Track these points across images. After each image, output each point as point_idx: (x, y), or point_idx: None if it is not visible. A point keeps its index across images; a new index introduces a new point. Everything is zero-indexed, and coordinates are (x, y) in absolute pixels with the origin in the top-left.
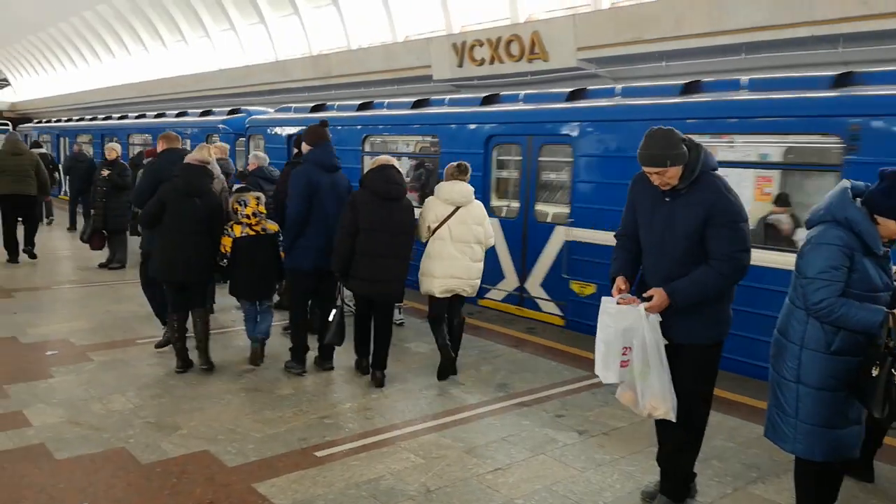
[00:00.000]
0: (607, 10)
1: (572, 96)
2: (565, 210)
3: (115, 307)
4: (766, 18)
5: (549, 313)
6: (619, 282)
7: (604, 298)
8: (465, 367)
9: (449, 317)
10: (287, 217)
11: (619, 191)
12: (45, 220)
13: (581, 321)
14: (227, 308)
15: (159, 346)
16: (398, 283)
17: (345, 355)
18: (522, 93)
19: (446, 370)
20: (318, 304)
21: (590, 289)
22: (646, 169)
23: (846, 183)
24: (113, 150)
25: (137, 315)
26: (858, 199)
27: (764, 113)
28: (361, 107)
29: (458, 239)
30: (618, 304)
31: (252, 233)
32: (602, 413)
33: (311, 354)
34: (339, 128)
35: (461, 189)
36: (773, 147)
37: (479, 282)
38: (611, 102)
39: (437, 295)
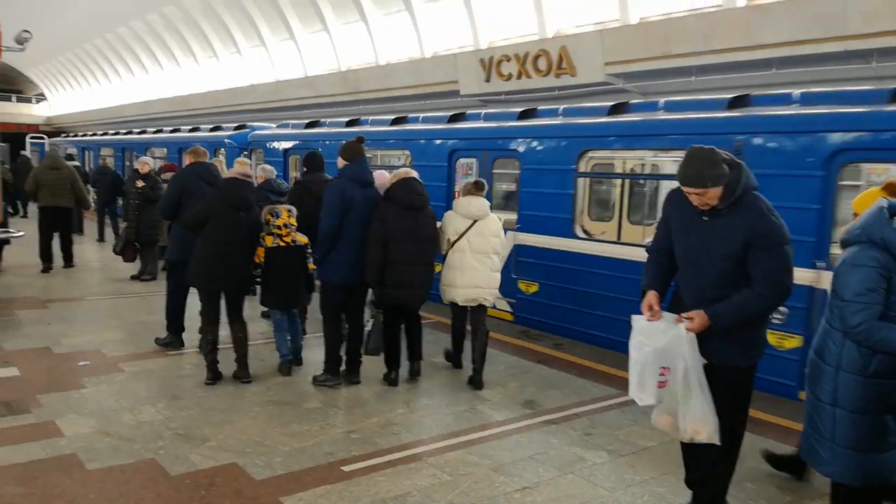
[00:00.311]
0: (636, 24)
1: (614, 110)
2: (514, 216)
3: (146, 318)
4: (799, 33)
5: (501, 310)
6: (651, 297)
7: (634, 316)
8: (491, 383)
9: (473, 328)
10: (320, 230)
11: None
12: (77, 232)
13: (528, 317)
14: (250, 319)
15: (163, 343)
16: (425, 288)
17: (370, 368)
18: (483, 112)
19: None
20: (347, 318)
21: (534, 287)
22: (686, 189)
23: (883, 202)
24: (146, 163)
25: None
26: None
27: (670, 131)
28: (349, 123)
29: (477, 250)
30: (648, 320)
31: (283, 244)
32: (632, 432)
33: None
34: (328, 143)
35: (478, 204)
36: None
37: (497, 290)
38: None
39: (460, 304)
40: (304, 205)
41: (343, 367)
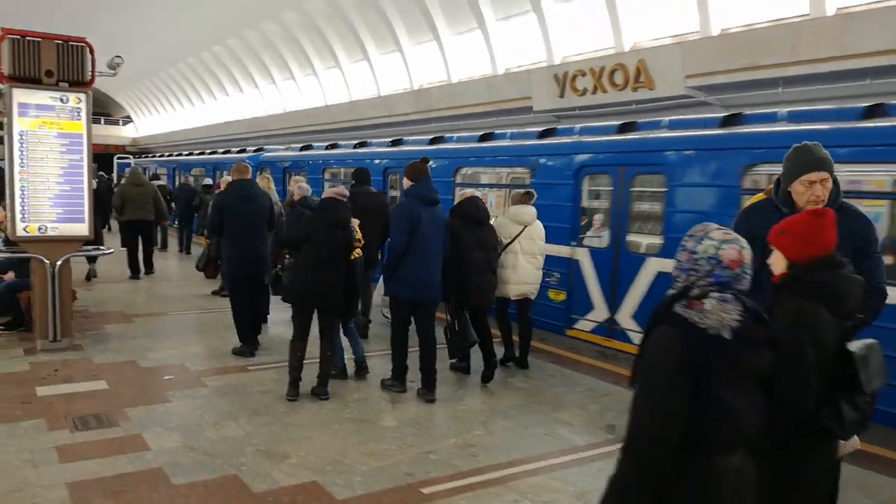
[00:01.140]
0: (717, 36)
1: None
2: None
3: (227, 333)
4: (894, 41)
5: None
6: None
7: None
8: (571, 405)
9: (520, 318)
10: (388, 248)
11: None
12: (159, 245)
13: None
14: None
15: (238, 352)
16: (493, 293)
17: (444, 388)
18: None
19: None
20: (418, 334)
21: None
22: (811, 176)
23: None
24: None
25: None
26: None
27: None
28: (357, 145)
29: (526, 251)
30: None
31: (356, 256)
32: None
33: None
34: (311, 162)
35: (528, 211)
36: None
37: (539, 286)
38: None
39: (512, 298)
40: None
41: (420, 386)
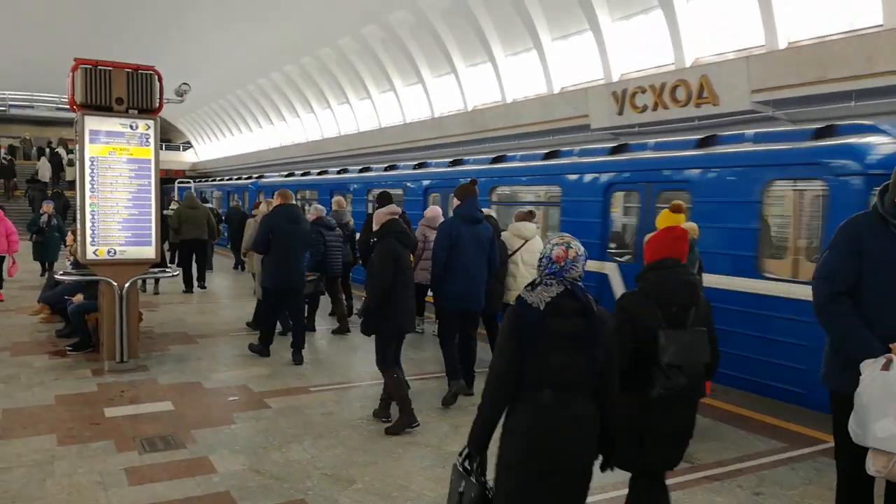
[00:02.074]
0: (785, 49)
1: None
2: None
3: (286, 355)
4: None
5: None
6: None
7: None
8: None
9: None
10: (433, 264)
11: None
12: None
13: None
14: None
15: (255, 350)
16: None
17: None
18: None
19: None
20: (460, 341)
21: None
22: None
23: None
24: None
25: (309, 362)
26: None
27: None
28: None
29: (527, 263)
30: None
31: None
32: (807, 492)
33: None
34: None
35: (529, 227)
36: None
37: None
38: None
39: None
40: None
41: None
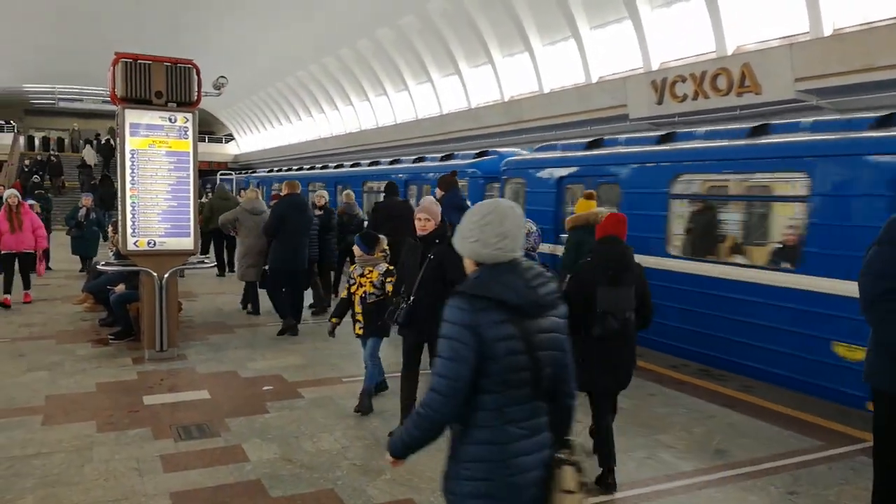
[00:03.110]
0: (830, 37)
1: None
2: None
3: (321, 345)
4: None
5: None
6: None
7: None
8: (674, 426)
9: None
10: None
11: None
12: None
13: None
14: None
15: (280, 333)
16: None
17: None
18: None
19: None
20: None
21: None
22: None
23: None
24: (322, 196)
25: (342, 354)
26: None
27: None
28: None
29: None
30: None
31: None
32: (843, 492)
33: None
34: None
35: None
36: None
37: None
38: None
39: None
40: (380, 226)
41: None
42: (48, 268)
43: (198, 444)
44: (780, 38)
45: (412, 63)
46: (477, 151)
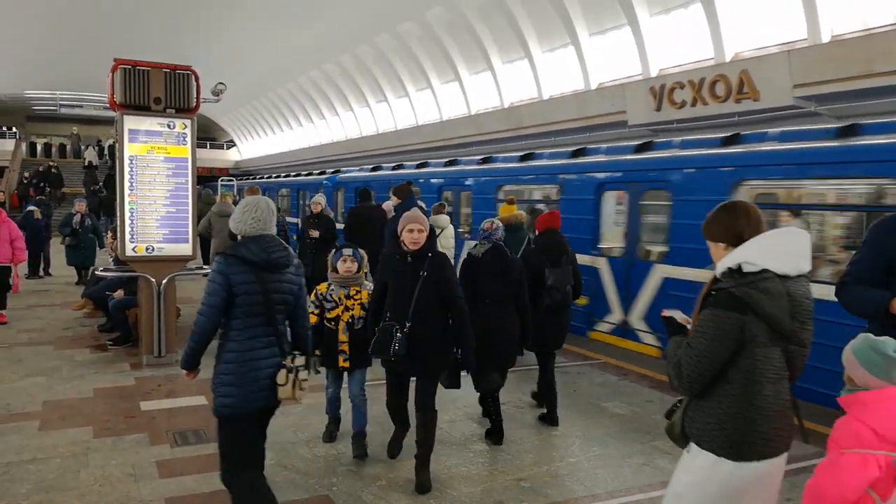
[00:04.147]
0: (828, 43)
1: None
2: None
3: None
4: None
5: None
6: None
7: None
8: None
9: None
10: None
11: None
12: None
13: None
14: None
15: None
16: None
17: (534, 412)
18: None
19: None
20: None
21: None
22: None
23: None
24: (318, 203)
25: None
26: None
27: None
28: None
29: (445, 247)
30: None
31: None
32: None
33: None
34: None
35: (444, 218)
36: None
37: None
38: None
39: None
40: (355, 234)
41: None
42: (48, 273)
43: (194, 449)
44: (778, 45)
45: (413, 70)
46: (480, 158)
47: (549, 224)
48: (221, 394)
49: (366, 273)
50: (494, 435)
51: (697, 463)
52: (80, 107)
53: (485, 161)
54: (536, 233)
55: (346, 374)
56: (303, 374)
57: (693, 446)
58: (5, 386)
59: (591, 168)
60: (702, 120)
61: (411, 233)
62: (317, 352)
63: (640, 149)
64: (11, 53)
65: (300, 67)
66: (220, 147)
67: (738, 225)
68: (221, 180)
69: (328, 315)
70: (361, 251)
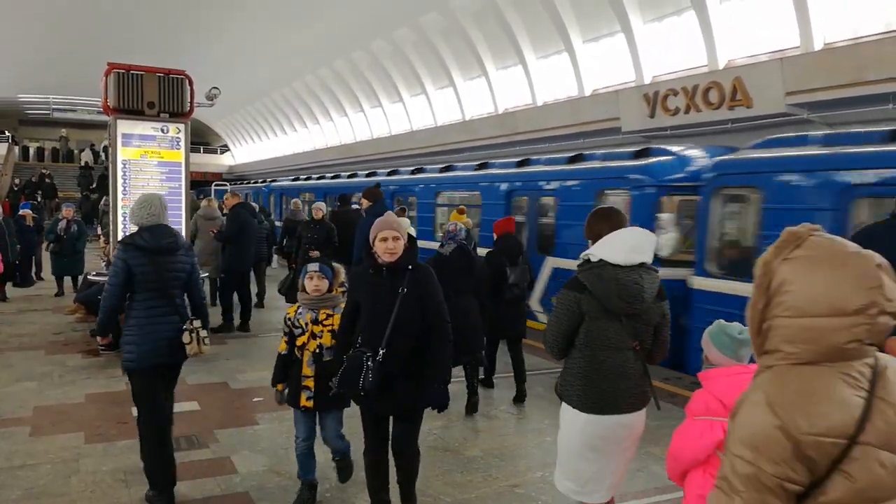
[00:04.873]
0: (820, 51)
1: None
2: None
3: None
4: None
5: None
6: None
7: None
8: (665, 438)
9: None
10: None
11: None
12: None
13: None
14: None
15: (216, 331)
16: None
17: (538, 414)
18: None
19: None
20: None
21: None
22: None
23: None
24: (319, 209)
25: None
26: None
27: None
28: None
29: None
30: None
31: None
32: None
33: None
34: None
35: (405, 221)
36: None
37: None
38: None
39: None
40: (338, 230)
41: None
42: (39, 278)
43: (186, 455)
44: (770, 53)
45: (407, 75)
46: (477, 163)
47: (506, 228)
48: (126, 351)
49: (343, 292)
50: (468, 405)
51: (566, 417)
52: (74, 110)
53: (417, 171)
54: (496, 237)
55: (317, 416)
56: (203, 333)
57: (564, 403)
58: None
59: (502, 178)
60: (695, 126)
61: (385, 241)
62: (279, 386)
63: (520, 164)
64: (5, 57)
65: (294, 73)
66: (214, 151)
67: (598, 226)
68: (215, 185)
69: (297, 343)
70: (336, 265)
